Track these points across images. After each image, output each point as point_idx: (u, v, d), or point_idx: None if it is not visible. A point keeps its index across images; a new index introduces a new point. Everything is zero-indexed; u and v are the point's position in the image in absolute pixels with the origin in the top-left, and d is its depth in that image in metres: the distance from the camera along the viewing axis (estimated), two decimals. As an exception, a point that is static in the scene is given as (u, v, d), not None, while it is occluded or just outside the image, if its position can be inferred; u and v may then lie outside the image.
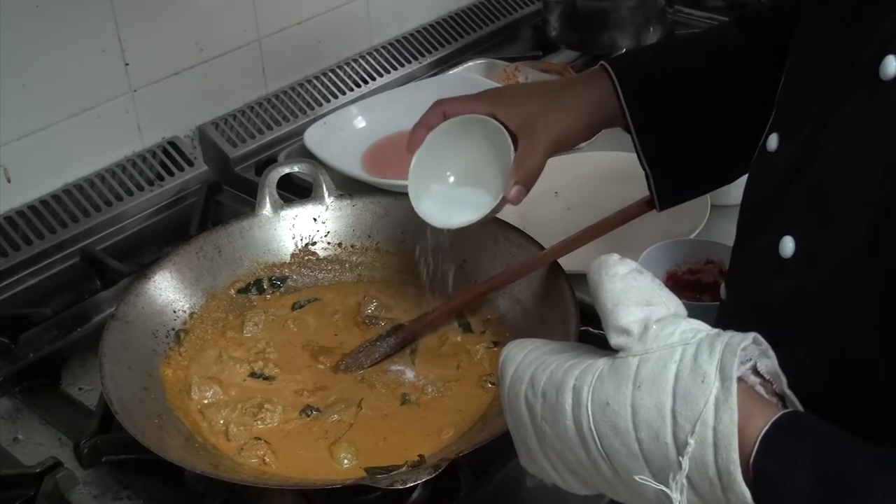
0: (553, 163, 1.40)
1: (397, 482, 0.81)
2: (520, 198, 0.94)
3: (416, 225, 1.14)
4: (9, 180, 1.27)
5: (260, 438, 0.95)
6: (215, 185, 1.41)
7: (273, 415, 0.98)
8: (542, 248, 1.06)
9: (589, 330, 0.95)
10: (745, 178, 0.83)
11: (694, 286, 1.12)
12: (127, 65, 1.35)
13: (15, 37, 1.22)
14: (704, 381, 0.57)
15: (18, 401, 1.09)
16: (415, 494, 0.91)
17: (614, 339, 0.61)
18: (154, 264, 1.09)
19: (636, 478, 0.59)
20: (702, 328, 0.61)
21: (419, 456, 0.90)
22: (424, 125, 0.98)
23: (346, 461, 0.92)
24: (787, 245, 0.68)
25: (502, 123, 0.94)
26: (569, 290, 0.99)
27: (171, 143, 1.42)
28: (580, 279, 1.06)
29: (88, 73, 1.31)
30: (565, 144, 0.96)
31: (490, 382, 1.00)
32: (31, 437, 1.04)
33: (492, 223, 1.09)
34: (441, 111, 0.97)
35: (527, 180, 0.94)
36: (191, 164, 1.42)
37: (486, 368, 1.03)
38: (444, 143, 0.97)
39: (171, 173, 1.40)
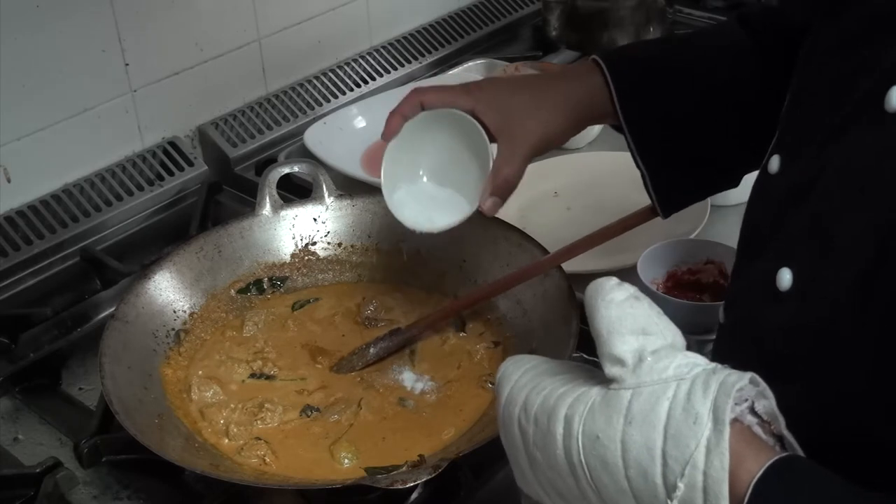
0: (553, 163, 1.41)
1: (397, 482, 0.81)
2: (495, 210, 0.93)
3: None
4: (9, 180, 1.27)
5: (260, 438, 0.95)
6: (215, 185, 1.41)
7: (273, 415, 0.98)
8: (542, 247, 1.06)
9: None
10: (748, 178, 0.82)
11: (694, 286, 1.12)
12: (127, 65, 1.35)
13: (15, 37, 1.22)
14: (696, 423, 0.55)
15: (18, 401, 1.09)
16: (415, 494, 0.91)
17: (608, 369, 0.59)
18: (154, 264, 1.09)
19: None
20: (698, 362, 0.58)
21: (419, 456, 0.90)
22: (400, 115, 0.96)
23: (346, 461, 0.93)
24: (785, 277, 0.67)
25: (482, 122, 0.92)
26: (569, 291, 0.99)
27: (171, 143, 1.42)
28: (580, 279, 1.06)
29: (88, 73, 1.31)
30: (547, 147, 0.94)
31: (490, 382, 1.00)
32: (31, 437, 1.04)
33: (492, 223, 1.09)
34: (418, 101, 0.95)
35: (503, 191, 0.92)
36: (191, 164, 1.42)
37: (485, 368, 1.03)
38: (420, 136, 0.96)
39: (171, 173, 1.40)
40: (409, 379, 1.03)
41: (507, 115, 0.92)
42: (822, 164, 0.66)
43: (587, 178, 1.35)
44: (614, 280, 0.62)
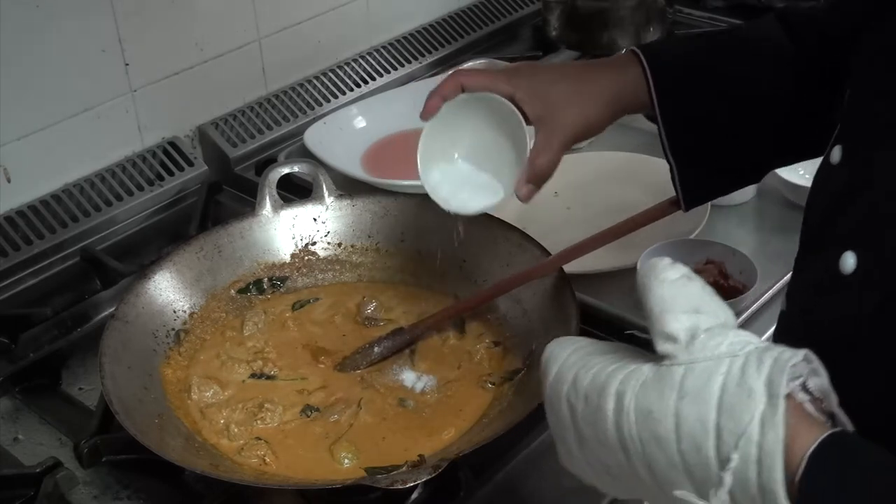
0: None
1: (397, 482, 0.81)
2: (530, 197, 0.93)
3: (416, 225, 1.15)
4: (9, 180, 1.27)
5: (260, 438, 0.95)
6: (215, 185, 1.41)
7: (273, 415, 0.98)
8: (542, 247, 1.06)
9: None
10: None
11: (694, 286, 1.12)
12: (127, 65, 1.35)
13: (15, 37, 1.22)
14: (751, 397, 0.56)
15: (18, 401, 1.09)
16: (415, 494, 0.91)
17: (660, 346, 0.60)
18: (154, 264, 1.09)
19: (675, 493, 0.58)
20: (751, 340, 0.59)
21: (419, 456, 0.90)
22: (440, 95, 0.94)
23: (346, 461, 0.93)
24: (848, 261, 0.67)
25: (520, 109, 0.92)
26: (569, 290, 0.99)
27: (171, 143, 1.42)
28: (580, 279, 1.06)
29: (88, 73, 1.31)
30: (584, 136, 0.94)
31: (490, 382, 1.00)
32: (31, 437, 1.04)
33: (492, 223, 1.09)
34: (459, 83, 0.94)
35: (539, 179, 0.92)
36: (191, 164, 1.42)
37: (485, 368, 1.03)
38: (458, 118, 0.95)
39: (170, 173, 1.40)
40: (409, 379, 1.03)
41: (546, 103, 0.92)
42: (882, 156, 0.67)
43: (587, 178, 1.35)
44: (667, 259, 0.63)
